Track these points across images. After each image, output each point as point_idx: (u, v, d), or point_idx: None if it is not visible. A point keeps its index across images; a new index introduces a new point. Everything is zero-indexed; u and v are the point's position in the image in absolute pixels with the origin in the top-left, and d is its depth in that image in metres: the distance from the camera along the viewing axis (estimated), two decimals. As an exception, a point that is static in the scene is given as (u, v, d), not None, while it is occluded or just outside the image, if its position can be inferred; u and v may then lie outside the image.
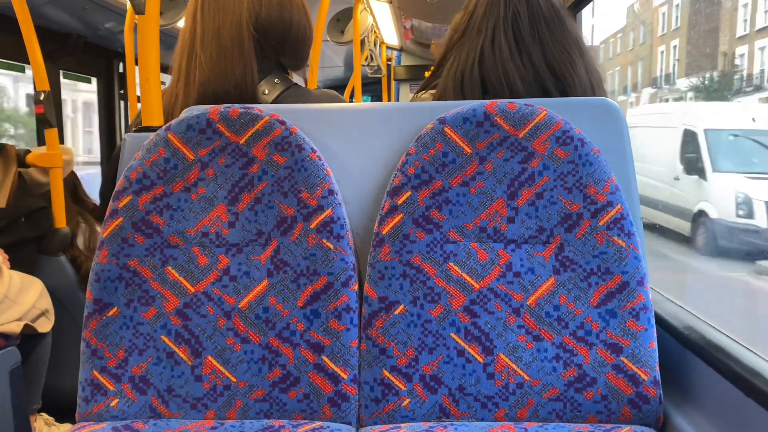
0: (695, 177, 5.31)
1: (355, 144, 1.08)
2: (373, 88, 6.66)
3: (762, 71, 7.45)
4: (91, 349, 0.97)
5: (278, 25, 1.28)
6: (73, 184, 2.48)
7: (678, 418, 0.93)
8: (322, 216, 0.98)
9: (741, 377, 0.82)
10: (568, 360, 0.94)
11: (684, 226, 5.29)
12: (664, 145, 5.75)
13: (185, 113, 1.03)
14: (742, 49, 7.90)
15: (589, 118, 1.04)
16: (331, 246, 0.97)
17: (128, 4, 2.56)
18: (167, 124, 1.01)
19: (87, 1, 2.79)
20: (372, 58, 4.69)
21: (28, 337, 1.88)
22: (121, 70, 3.93)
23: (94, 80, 3.83)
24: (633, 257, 0.95)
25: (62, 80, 3.44)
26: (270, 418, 0.96)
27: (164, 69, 1.39)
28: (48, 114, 2.11)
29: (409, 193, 0.98)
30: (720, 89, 8.37)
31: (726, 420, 0.86)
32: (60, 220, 2.21)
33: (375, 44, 4.78)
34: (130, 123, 3.05)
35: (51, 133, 2.16)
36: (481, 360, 0.95)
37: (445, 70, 1.25)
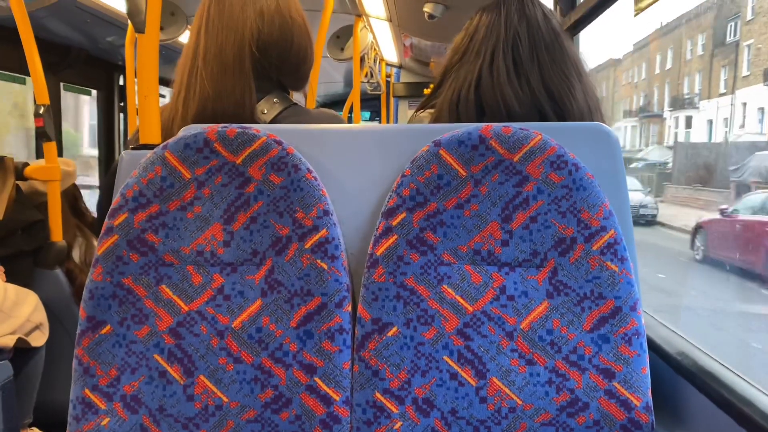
0: None
1: (350, 165, 1.09)
2: (372, 104, 6.71)
3: None
4: (83, 367, 0.97)
5: (280, 44, 1.29)
6: (73, 196, 2.49)
7: None
8: (317, 236, 0.98)
9: (733, 405, 0.82)
10: (561, 384, 0.94)
11: None
12: None
13: (183, 132, 1.04)
14: None
15: (583, 142, 1.04)
16: (325, 266, 0.97)
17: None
18: (164, 143, 1.02)
19: (89, 15, 2.82)
20: (371, 75, 4.72)
21: (22, 351, 1.88)
22: (121, 83, 3.95)
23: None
24: (626, 282, 0.95)
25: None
26: None
27: (165, 83, 1.40)
28: (47, 127, 2.12)
29: (403, 214, 0.99)
30: None
31: None
32: (57, 234, 2.21)
33: (374, 61, 4.81)
34: (128, 139, 3.06)
35: (50, 147, 2.17)
36: (473, 383, 0.95)
37: (443, 90, 1.26)
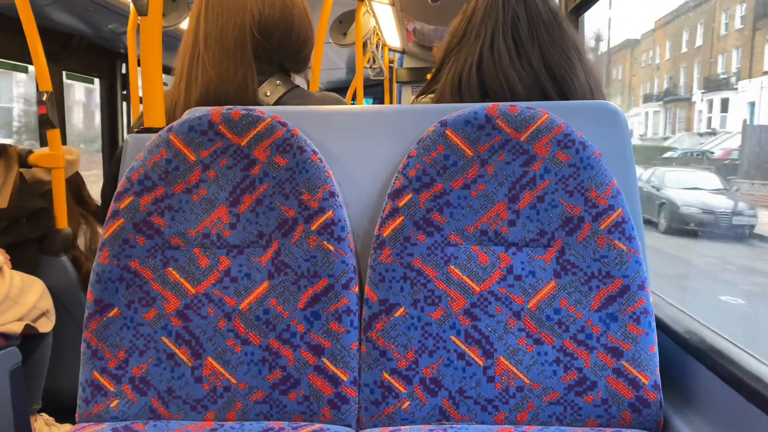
0: None
1: (356, 146, 1.08)
2: (375, 91, 6.67)
3: None
4: (91, 350, 0.97)
5: (280, 26, 1.29)
6: (76, 184, 2.49)
7: (678, 422, 0.93)
8: (323, 218, 0.98)
9: (742, 382, 0.82)
10: (569, 363, 0.94)
11: None
12: None
13: (187, 114, 1.03)
14: None
15: (590, 121, 1.04)
16: (331, 248, 0.97)
17: (131, 6, 2.57)
18: (169, 126, 1.01)
19: (90, 2, 2.80)
20: (374, 61, 4.70)
21: (29, 337, 1.88)
22: (123, 70, 3.94)
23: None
24: (634, 261, 0.94)
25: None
26: (270, 420, 0.96)
27: (166, 70, 1.39)
28: (50, 115, 2.12)
29: (410, 195, 0.98)
30: None
31: (727, 425, 0.85)
32: (62, 221, 2.21)
33: (377, 46, 4.78)
34: (132, 124, 3.06)
35: (53, 134, 2.17)
36: (481, 363, 0.95)
37: (443, 75, 1.25)
